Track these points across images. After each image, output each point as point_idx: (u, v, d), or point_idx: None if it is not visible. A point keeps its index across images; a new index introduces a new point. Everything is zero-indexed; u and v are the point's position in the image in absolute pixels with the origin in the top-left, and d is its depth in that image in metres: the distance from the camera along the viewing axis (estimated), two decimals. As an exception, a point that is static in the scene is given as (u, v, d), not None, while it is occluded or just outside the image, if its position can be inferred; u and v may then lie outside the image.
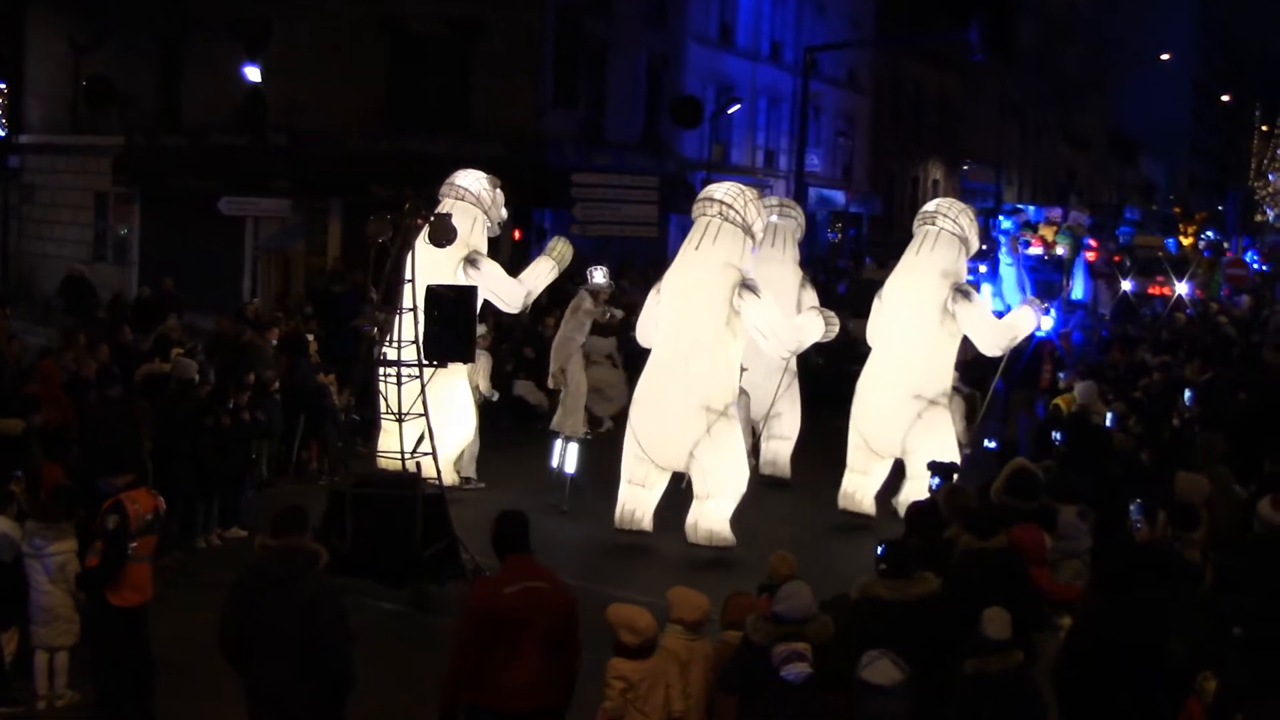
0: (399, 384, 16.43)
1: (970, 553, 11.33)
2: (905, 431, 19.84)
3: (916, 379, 19.85)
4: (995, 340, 20.02)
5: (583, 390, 21.93)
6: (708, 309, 18.22)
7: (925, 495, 18.50)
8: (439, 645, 9.62)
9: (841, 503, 20.67)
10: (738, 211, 18.38)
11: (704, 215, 18.65)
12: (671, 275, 18.94)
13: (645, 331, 19.18)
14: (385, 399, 16.95)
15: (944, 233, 20.05)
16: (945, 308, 19.62)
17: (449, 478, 19.03)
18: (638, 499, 18.78)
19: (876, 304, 20.58)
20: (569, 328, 22.68)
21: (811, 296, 21.90)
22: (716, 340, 18.18)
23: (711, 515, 18.10)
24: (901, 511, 18.79)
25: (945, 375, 20.05)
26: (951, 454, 19.13)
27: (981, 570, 10.99)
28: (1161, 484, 15.35)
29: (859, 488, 20.55)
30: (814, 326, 19.60)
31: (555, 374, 22.93)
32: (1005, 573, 11.09)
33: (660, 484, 18.81)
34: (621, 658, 9.76)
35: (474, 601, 9.56)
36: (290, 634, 9.08)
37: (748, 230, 18.37)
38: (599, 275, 23.07)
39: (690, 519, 18.24)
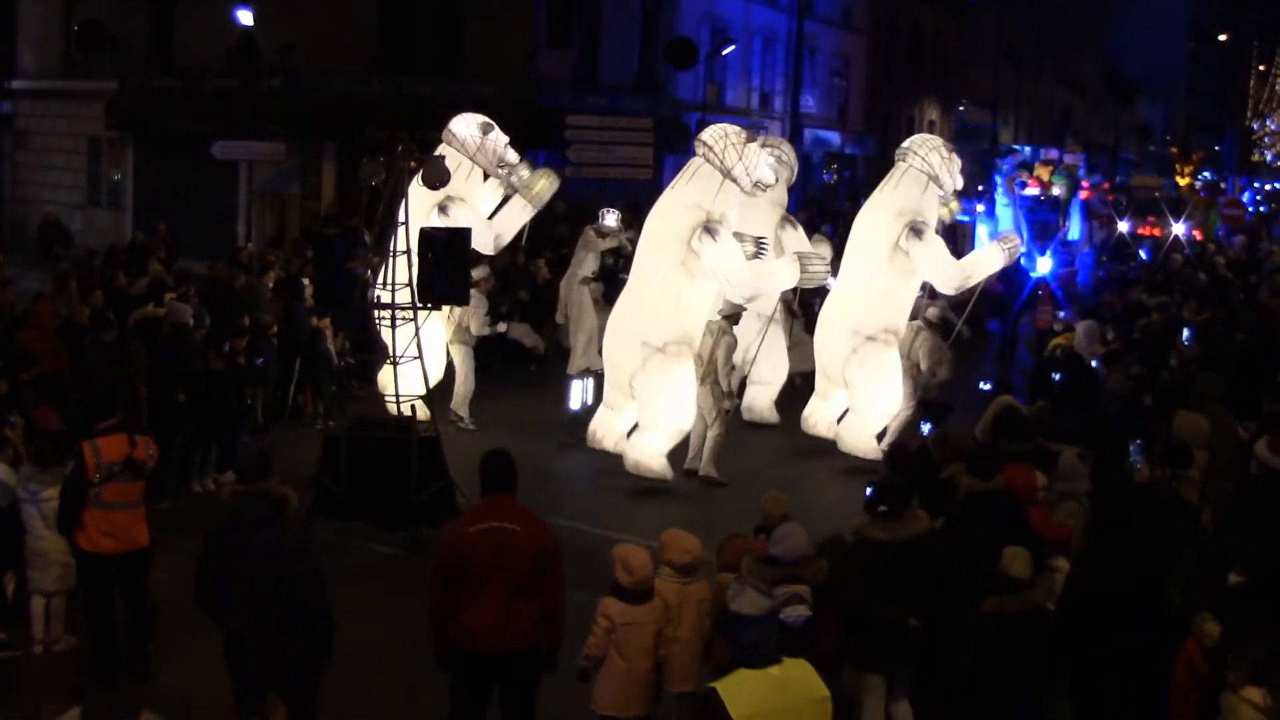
0: (393, 327, 16.39)
1: (974, 495, 11.32)
2: (843, 363, 20.15)
3: (856, 313, 20.12)
4: (949, 280, 20.07)
5: (584, 328, 21.94)
6: (664, 247, 18.41)
7: (867, 427, 19.70)
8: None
9: (803, 425, 21.33)
10: (716, 154, 18.30)
11: (695, 156, 18.66)
12: (650, 213, 19.16)
13: None
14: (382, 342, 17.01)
15: (911, 170, 20.00)
16: (898, 245, 19.67)
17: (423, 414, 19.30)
18: (603, 420, 19.56)
19: None
20: (575, 265, 22.66)
21: (796, 239, 21.68)
22: (667, 278, 18.33)
23: (641, 446, 18.61)
24: (842, 443, 19.98)
25: (889, 312, 20.08)
26: (887, 393, 19.62)
27: (985, 512, 10.99)
28: (1159, 424, 15.38)
29: (814, 411, 21.27)
30: (783, 273, 19.39)
31: (560, 309, 23.02)
32: (1007, 514, 11.09)
33: (630, 411, 19.14)
34: (613, 597, 9.74)
35: (442, 539, 9.69)
36: (264, 580, 9.04)
37: (726, 173, 18.28)
38: (610, 219, 23.00)
39: (624, 447, 18.81)
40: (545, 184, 21.52)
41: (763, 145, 21.36)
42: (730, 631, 7.22)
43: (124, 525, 11.89)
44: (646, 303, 18.48)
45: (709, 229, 18.01)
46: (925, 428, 16.77)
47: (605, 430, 19.44)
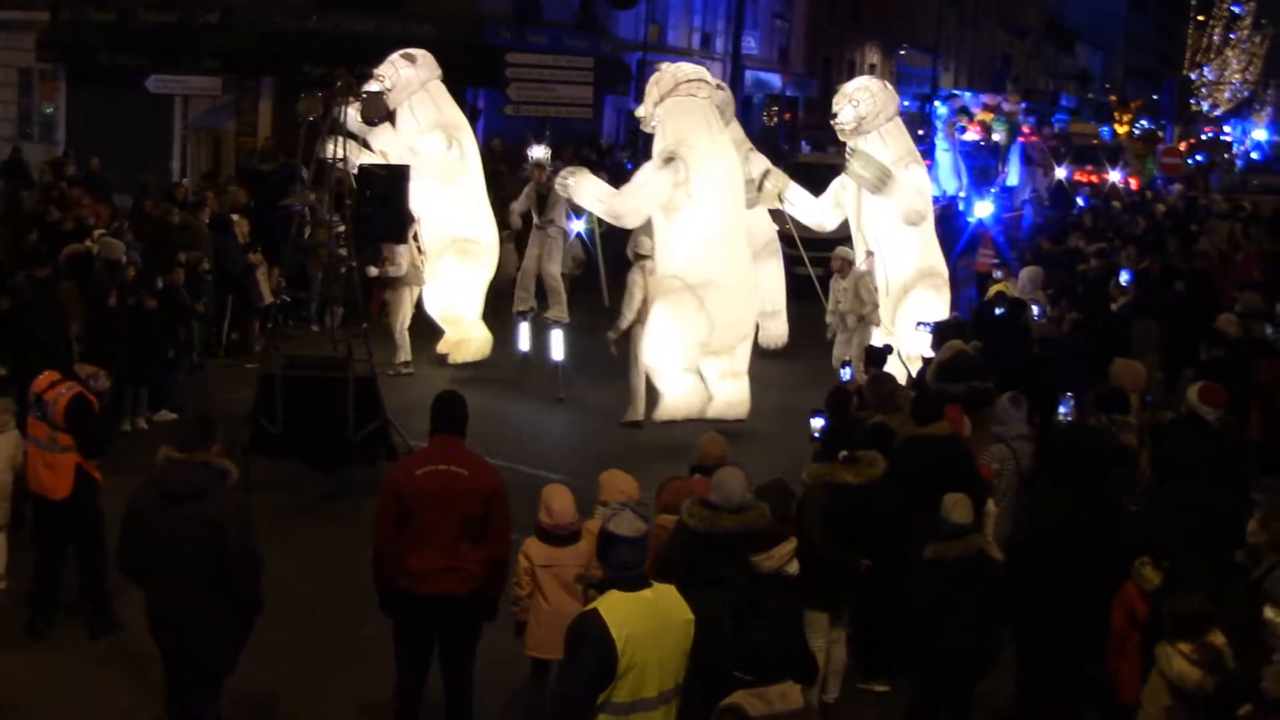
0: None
1: (910, 439, 11.32)
2: None
3: None
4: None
5: (525, 268, 21.90)
6: None
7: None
8: (367, 528, 9.47)
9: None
10: None
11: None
12: None
13: None
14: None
15: None
16: None
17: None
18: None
19: None
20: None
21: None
22: None
23: None
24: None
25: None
26: None
27: (921, 455, 10.98)
28: (1096, 371, 15.45)
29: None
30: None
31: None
32: (946, 457, 11.08)
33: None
34: (535, 538, 9.79)
35: (386, 481, 9.49)
36: (193, 555, 8.66)
37: None
38: (536, 151, 22.85)
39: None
40: None
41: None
42: (604, 550, 7.41)
43: (34, 464, 11.76)
44: None
45: None
46: (844, 373, 16.74)
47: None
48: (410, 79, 20.30)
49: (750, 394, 18.61)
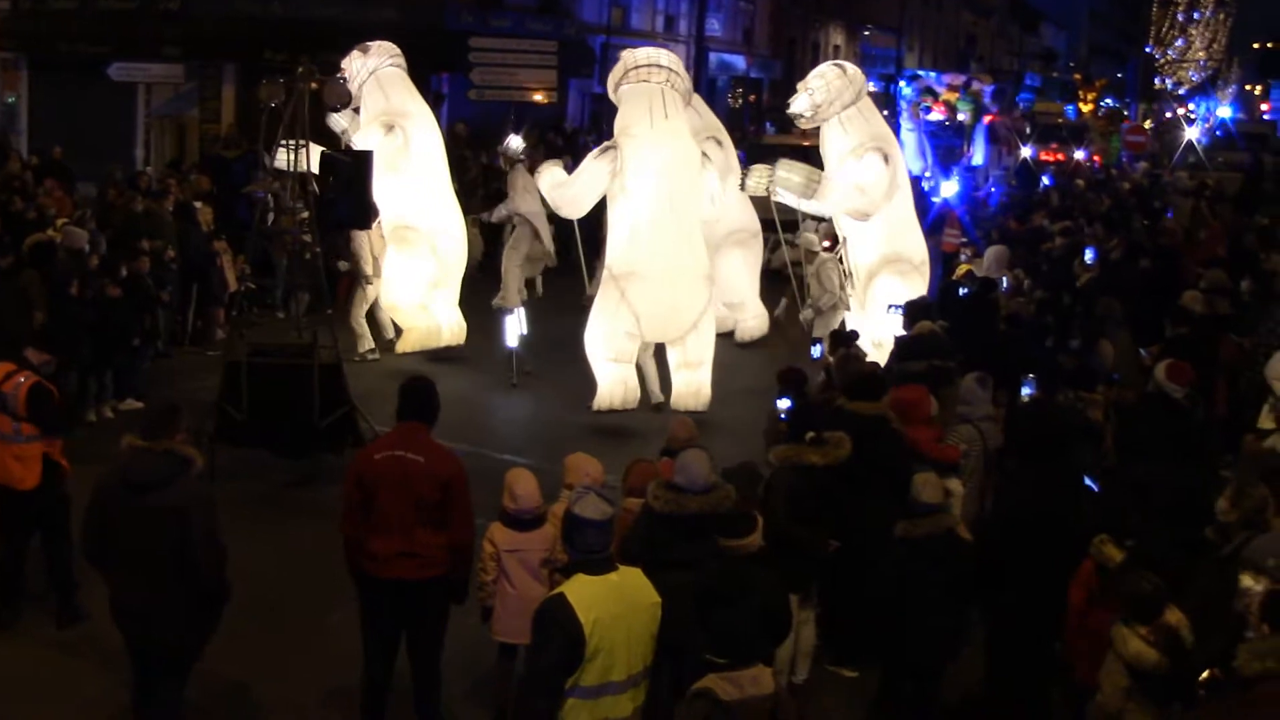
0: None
1: (838, 411, 11.37)
2: None
3: None
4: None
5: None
6: None
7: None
8: (333, 515, 9.44)
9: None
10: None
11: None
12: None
13: None
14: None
15: None
16: None
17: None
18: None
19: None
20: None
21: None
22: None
23: None
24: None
25: None
26: None
27: (863, 435, 10.96)
28: (1059, 349, 15.47)
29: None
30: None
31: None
32: (868, 436, 11.06)
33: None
34: (500, 523, 9.77)
35: (349, 467, 9.54)
36: (156, 544, 8.58)
37: None
38: (513, 141, 22.75)
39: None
40: None
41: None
42: (570, 534, 7.42)
43: (0, 457, 11.58)
44: None
45: None
46: (814, 351, 16.72)
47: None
48: (359, 69, 20.27)
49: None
